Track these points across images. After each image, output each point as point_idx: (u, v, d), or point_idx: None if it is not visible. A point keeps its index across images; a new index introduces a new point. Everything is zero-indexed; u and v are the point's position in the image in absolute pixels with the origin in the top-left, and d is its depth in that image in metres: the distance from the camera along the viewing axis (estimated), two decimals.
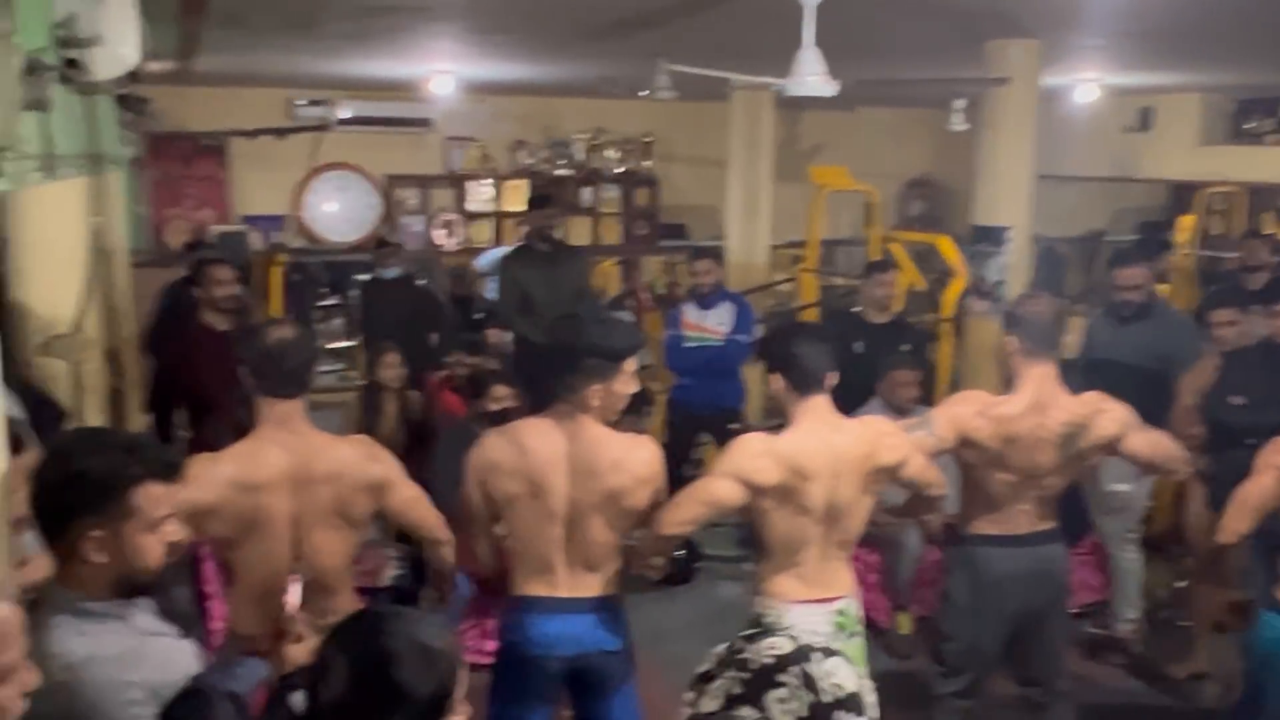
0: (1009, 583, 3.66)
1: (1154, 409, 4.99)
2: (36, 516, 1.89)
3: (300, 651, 2.03)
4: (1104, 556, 5.25)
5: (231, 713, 1.79)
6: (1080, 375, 5.42)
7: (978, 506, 3.69)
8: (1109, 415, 3.59)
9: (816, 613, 3.18)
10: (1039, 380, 3.55)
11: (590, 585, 3.19)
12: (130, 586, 1.90)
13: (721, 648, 1.48)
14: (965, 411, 3.57)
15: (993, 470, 3.59)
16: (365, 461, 2.97)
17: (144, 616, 1.94)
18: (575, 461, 3.08)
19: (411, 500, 3.08)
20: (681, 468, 6.49)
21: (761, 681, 1.41)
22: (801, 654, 1.45)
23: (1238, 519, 3.41)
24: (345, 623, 1.62)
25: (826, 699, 1.41)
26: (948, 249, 7.81)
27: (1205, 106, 9.01)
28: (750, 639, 1.47)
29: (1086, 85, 7.92)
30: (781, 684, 1.41)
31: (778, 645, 1.45)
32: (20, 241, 3.92)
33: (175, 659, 1.91)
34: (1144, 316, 5.15)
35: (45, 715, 1.65)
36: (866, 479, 3.23)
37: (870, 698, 1.51)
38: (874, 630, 5.31)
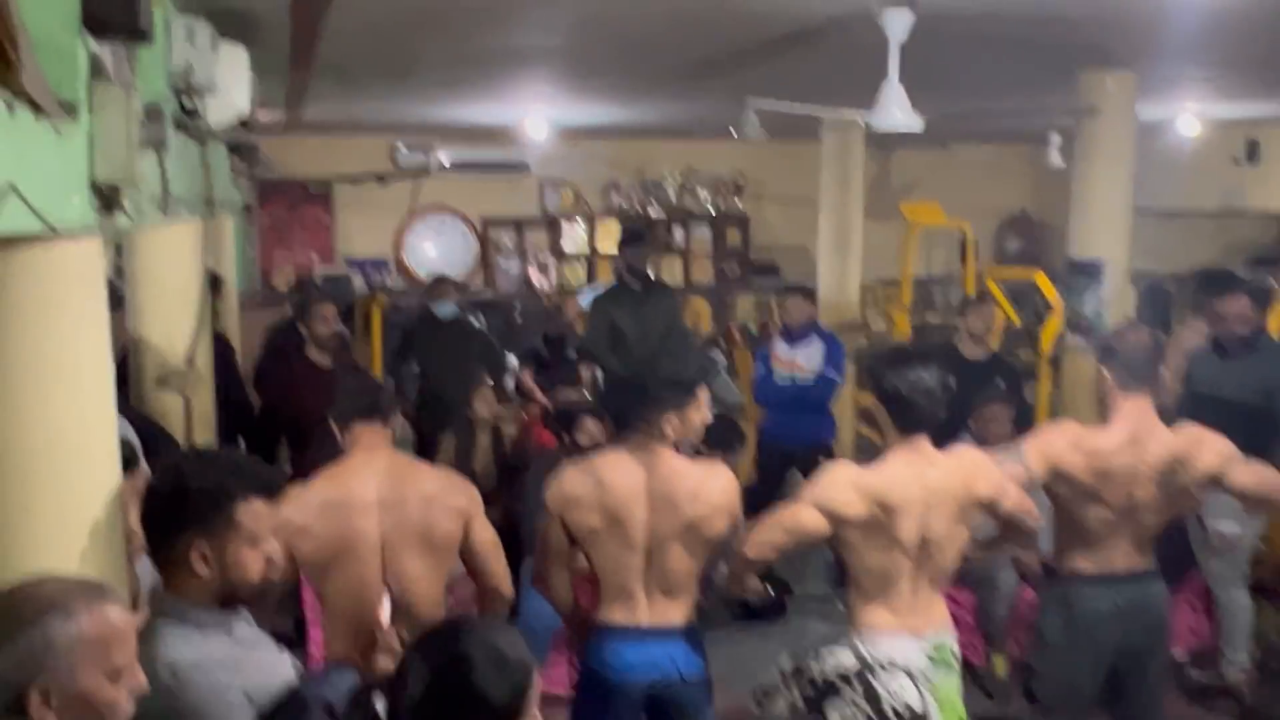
0: (1105, 622, 3.56)
1: (1260, 445, 4.82)
2: (146, 529, 2.01)
3: (391, 664, 2.10)
4: (1210, 599, 5.07)
5: None
6: (1183, 411, 5.29)
7: (1073, 543, 3.61)
8: (1209, 447, 3.50)
9: (909, 643, 3.14)
10: (1135, 413, 3.48)
11: (671, 613, 3.22)
12: (232, 598, 2.00)
13: (788, 663, 1.50)
14: (1058, 443, 3.51)
15: (1088, 505, 3.52)
16: (451, 487, 3.06)
17: (245, 627, 2.04)
18: (654, 491, 3.14)
19: (489, 543, 3.12)
20: (772, 503, 6.48)
21: (823, 693, 1.43)
22: (868, 668, 1.46)
23: None
24: (427, 632, 1.69)
25: (889, 713, 1.42)
26: (1045, 284, 7.69)
27: None
28: (817, 655, 1.49)
29: (1187, 117, 7.75)
30: (842, 694, 1.42)
31: (842, 660, 1.47)
32: (139, 279, 4.14)
33: (275, 668, 2.01)
34: (1250, 350, 4.99)
35: (151, 716, 1.74)
36: (961, 512, 3.20)
37: None
38: (969, 670, 5.21)
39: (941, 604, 3.30)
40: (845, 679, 1.46)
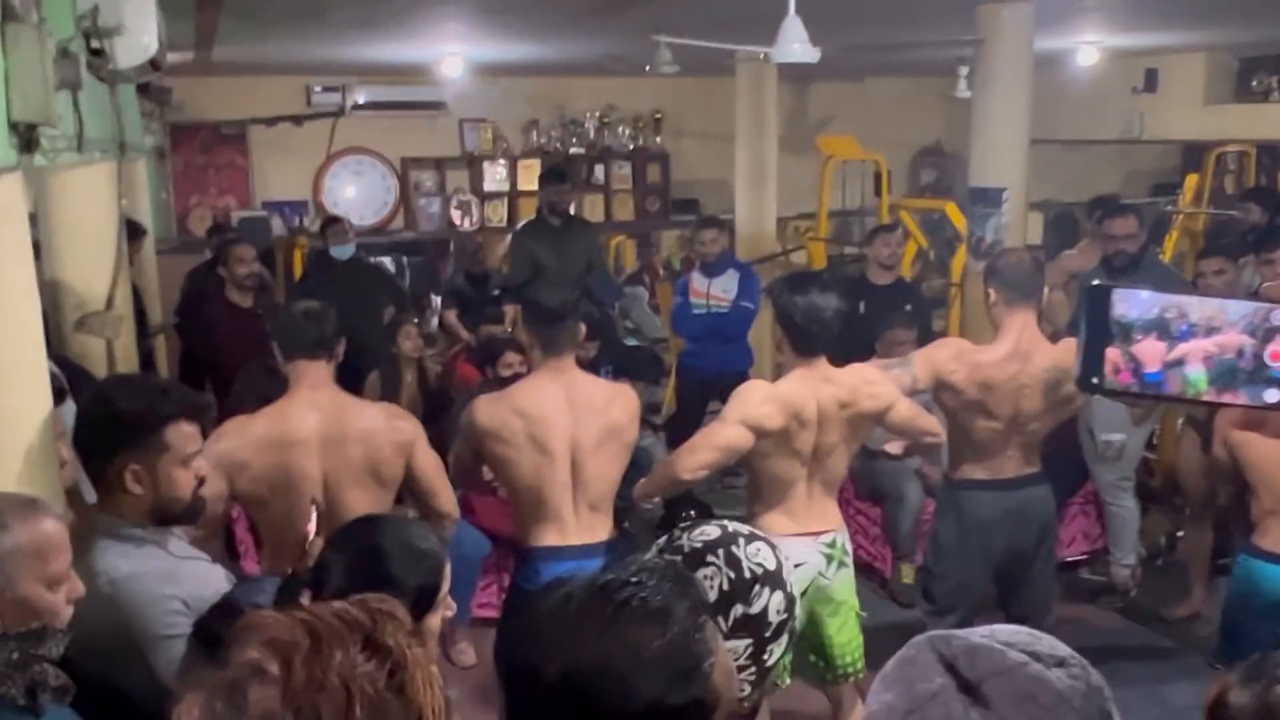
0: (995, 525, 3.84)
1: None
2: (80, 453, 2.12)
3: None
4: (1101, 505, 5.41)
5: None
6: (1075, 327, 5.59)
7: (965, 453, 3.86)
8: None
9: (806, 544, 3.38)
10: (1019, 329, 3.71)
11: (598, 529, 3.42)
12: (165, 515, 2.12)
13: (662, 538, 1.68)
14: (942, 355, 3.74)
15: (976, 417, 3.76)
16: (394, 420, 3.11)
17: (178, 543, 2.16)
18: (574, 403, 3.35)
19: (433, 467, 3.19)
20: (692, 429, 6.69)
21: (691, 562, 1.60)
22: (729, 538, 1.64)
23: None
24: (342, 527, 1.84)
25: (747, 576, 1.60)
26: (955, 214, 7.94)
27: (1210, 65, 9.05)
28: (686, 529, 1.67)
29: (1086, 47, 8.00)
30: (709, 563, 1.60)
31: (707, 532, 1.65)
32: (53, 221, 4.15)
33: (209, 577, 2.15)
34: (1134, 268, 5.28)
35: (92, 624, 1.86)
36: (848, 424, 3.42)
37: (794, 579, 1.70)
38: (877, 579, 5.52)
39: (834, 506, 3.54)
40: (710, 547, 1.64)
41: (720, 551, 1.63)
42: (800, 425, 3.34)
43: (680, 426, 6.64)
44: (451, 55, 7.70)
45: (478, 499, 4.80)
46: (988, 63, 6.05)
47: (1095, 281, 0.80)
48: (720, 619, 1.58)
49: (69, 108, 2.24)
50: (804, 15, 3.84)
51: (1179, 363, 0.78)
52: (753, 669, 1.62)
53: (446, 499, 3.23)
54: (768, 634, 1.64)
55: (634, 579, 1.14)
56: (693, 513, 6.26)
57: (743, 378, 6.45)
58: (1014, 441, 3.80)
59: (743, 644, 1.61)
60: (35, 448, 2.08)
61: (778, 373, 9.26)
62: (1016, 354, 3.68)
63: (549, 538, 3.40)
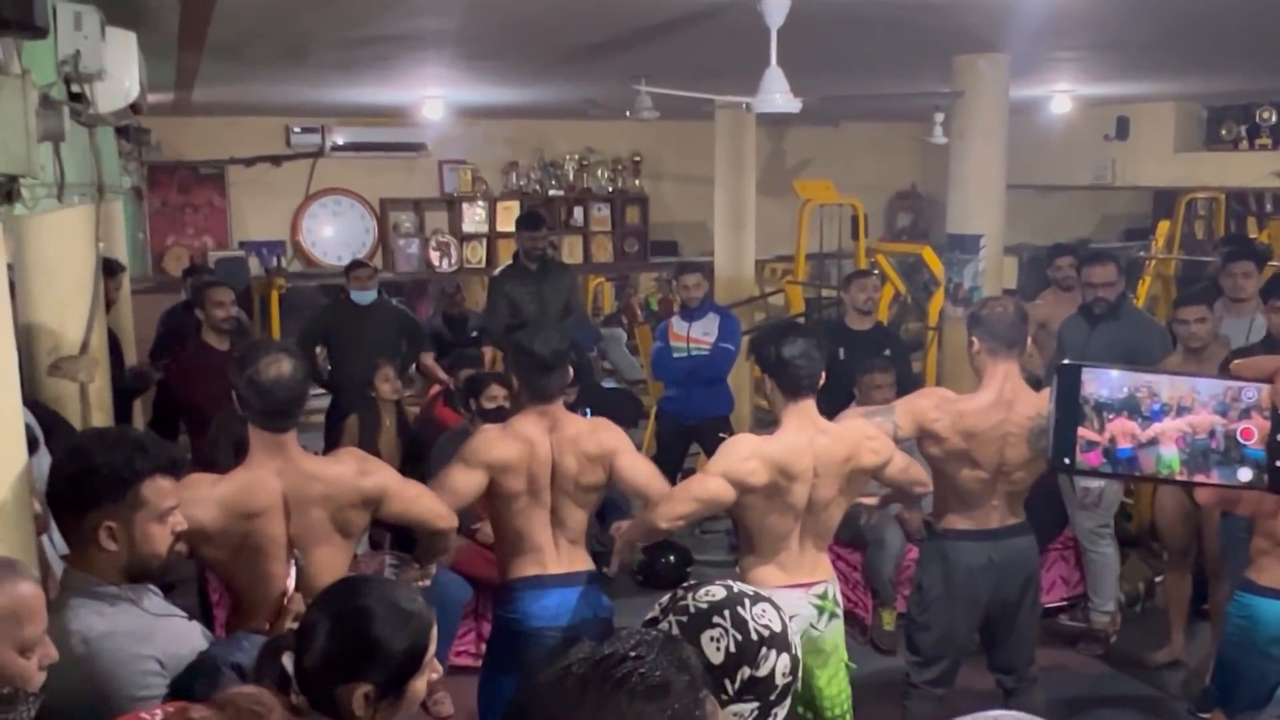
0: (980, 574, 3.83)
1: None
2: (54, 508, 2.07)
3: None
4: (1080, 551, 5.41)
5: (237, 683, 1.95)
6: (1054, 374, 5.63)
7: (950, 502, 3.86)
8: None
9: (797, 596, 3.36)
10: (1002, 377, 3.72)
11: (576, 559, 3.50)
12: (140, 572, 2.08)
13: (665, 597, 1.65)
14: (924, 404, 3.74)
15: (961, 466, 3.75)
16: (358, 477, 3.00)
17: (154, 600, 2.12)
18: (559, 445, 3.42)
19: (412, 500, 3.13)
20: (672, 474, 6.68)
21: (697, 624, 1.58)
22: (734, 599, 1.62)
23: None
24: (327, 589, 1.80)
25: (754, 638, 1.58)
26: (931, 259, 8.02)
27: (1179, 114, 9.21)
28: (690, 589, 1.64)
29: (1060, 96, 8.12)
30: (716, 625, 1.58)
31: (712, 592, 1.63)
32: (30, 265, 4.11)
33: (186, 636, 2.10)
34: (1114, 316, 5.33)
35: (66, 685, 1.82)
36: (846, 479, 3.42)
37: (797, 639, 1.69)
38: (858, 626, 5.48)
39: (825, 559, 3.53)
40: (716, 608, 1.62)
41: (726, 613, 1.61)
42: (790, 480, 3.32)
43: (660, 469, 6.61)
44: (432, 98, 7.73)
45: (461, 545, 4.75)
46: (964, 112, 6.13)
47: (1065, 361, 0.81)
48: (727, 681, 1.57)
49: (50, 158, 2.22)
50: (783, 65, 3.88)
51: (1152, 442, 0.79)
52: None
53: (440, 513, 3.17)
54: (773, 696, 1.62)
55: (633, 653, 1.12)
56: (671, 558, 6.23)
57: (723, 422, 6.50)
58: (999, 491, 3.80)
59: (749, 707, 1.59)
60: (9, 503, 2.04)
61: (758, 418, 9.34)
62: (1000, 402, 3.69)
63: (530, 569, 3.47)
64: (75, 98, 3.35)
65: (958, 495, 3.82)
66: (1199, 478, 0.79)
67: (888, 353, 5.90)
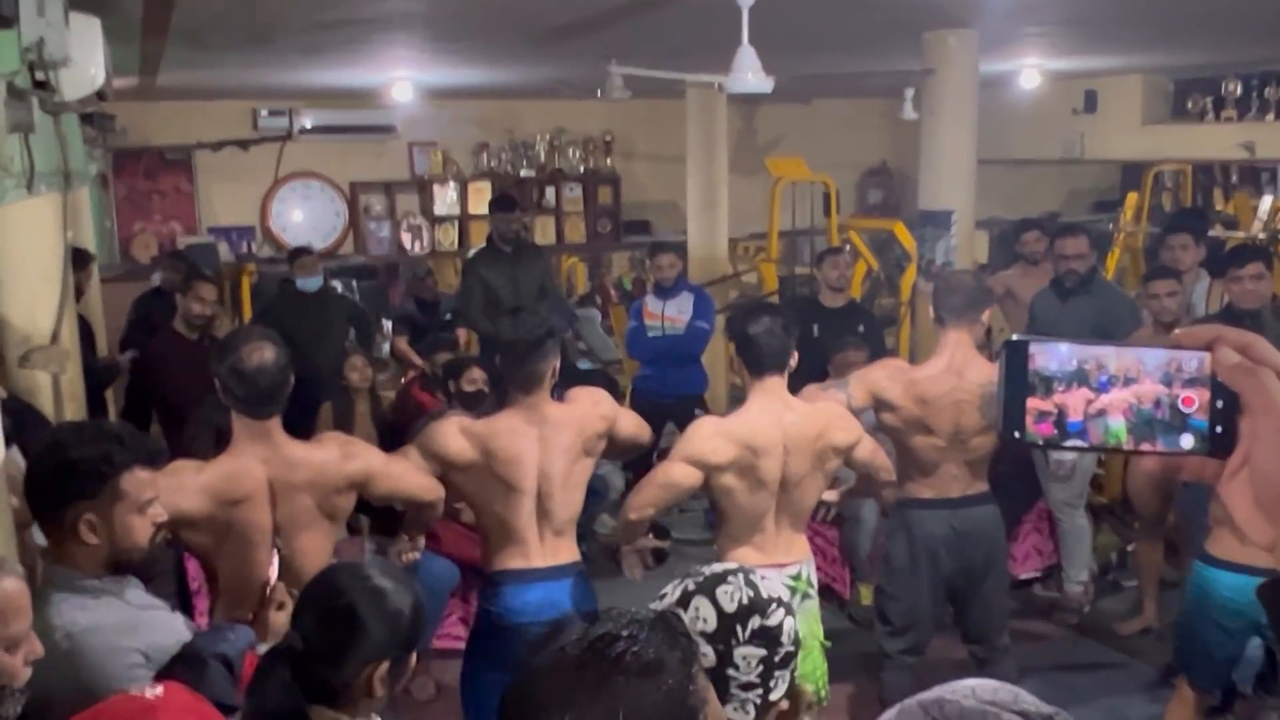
0: (942, 543, 3.89)
1: None
2: (32, 503, 2.06)
3: (282, 618, 2.21)
4: (1054, 522, 5.48)
5: (222, 673, 1.96)
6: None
7: (911, 472, 3.93)
8: None
9: (772, 576, 3.39)
10: (954, 345, 3.79)
11: (562, 552, 3.44)
12: (122, 564, 2.07)
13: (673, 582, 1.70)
14: (878, 374, 3.83)
15: (916, 433, 3.83)
16: (343, 461, 3.01)
17: (136, 592, 2.11)
18: (544, 439, 3.36)
19: (398, 477, 3.14)
20: (650, 455, 6.70)
21: (712, 581, 1.67)
22: (745, 570, 1.74)
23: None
24: (314, 585, 1.82)
25: (764, 596, 1.67)
26: (903, 234, 8.05)
27: (1146, 87, 9.28)
28: (704, 567, 1.71)
29: (1029, 71, 8.16)
30: (730, 581, 1.68)
31: (725, 564, 1.74)
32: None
33: (169, 627, 2.09)
34: (1085, 289, 5.39)
35: (51, 679, 1.82)
36: (818, 456, 3.44)
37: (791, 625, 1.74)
38: (836, 601, 5.54)
39: (802, 539, 3.56)
40: (730, 572, 1.69)
41: (740, 575, 1.69)
42: (757, 455, 3.35)
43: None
44: (401, 80, 7.67)
45: (442, 526, 4.74)
46: (935, 89, 6.16)
47: (1014, 336, 0.83)
48: (739, 627, 1.63)
49: (20, 149, 2.19)
50: (754, 44, 3.88)
51: (1100, 413, 0.81)
52: (760, 689, 1.63)
53: (426, 487, 3.20)
54: (778, 655, 1.67)
55: (625, 632, 1.14)
56: (650, 535, 6.26)
57: (698, 400, 6.53)
58: (957, 459, 3.86)
59: (757, 654, 1.64)
60: None
61: (734, 396, 9.37)
62: (950, 370, 3.75)
63: (514, 561, 3.41)
64: (40, 85, 3.30)
65: (917, 465, 3.90)
66: (1144, 446, 0.82)
67: (861, 329, 5.94)
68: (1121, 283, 9.28)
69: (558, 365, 3.50)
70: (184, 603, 4.20)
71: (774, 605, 1.68)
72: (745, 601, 1.65)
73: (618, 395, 7.81)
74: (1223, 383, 0.80)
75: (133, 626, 2.02)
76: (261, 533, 2.90)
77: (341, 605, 1.75)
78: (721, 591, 1.65)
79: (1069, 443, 0.82)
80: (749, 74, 3.66)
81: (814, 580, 3.56)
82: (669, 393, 6.34)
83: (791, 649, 1.70)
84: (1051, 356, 0.81)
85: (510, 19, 5.08)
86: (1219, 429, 0.81)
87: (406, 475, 3.17)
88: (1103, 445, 0.82)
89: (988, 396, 3.70)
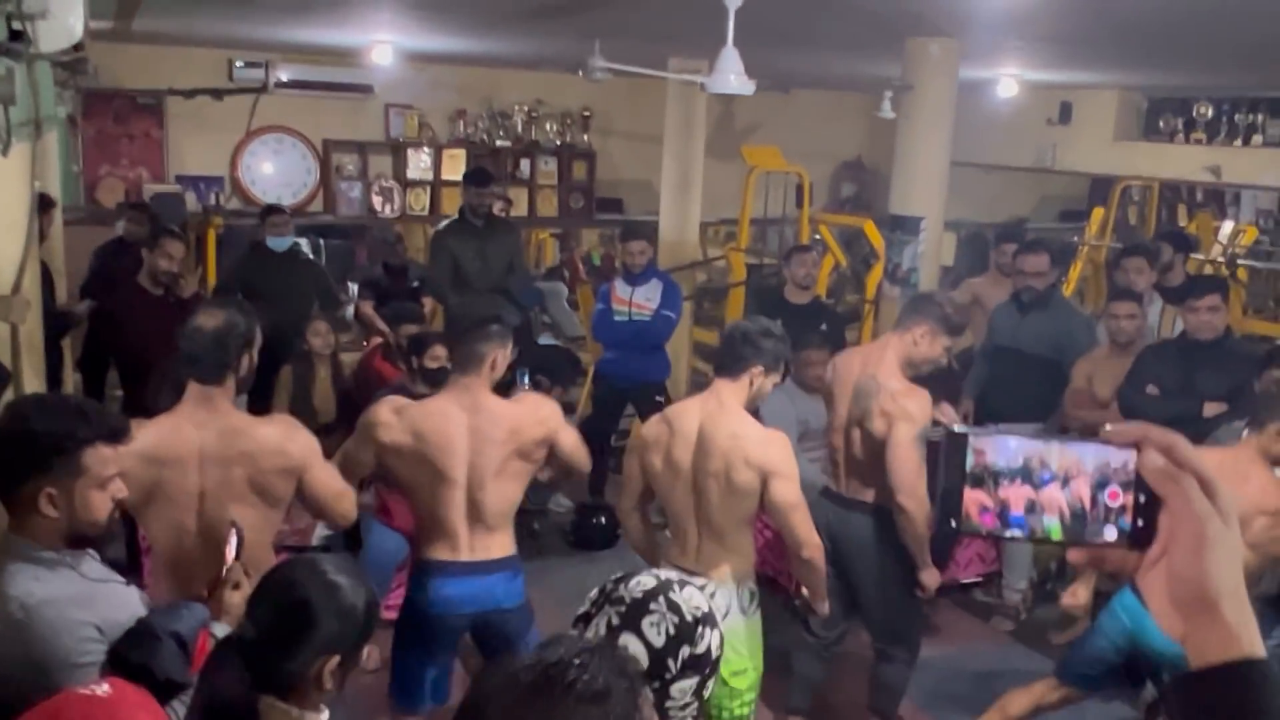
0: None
1: (1049, 395, 5.36)
2: None
3: (238, 598, 2.23)
4: None
5: (175, 651, 1.98)
6: (985, 358, 5.79)
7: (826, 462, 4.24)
8: None
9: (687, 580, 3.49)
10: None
11: (492, 547, 3.42)
12: (79, 538, 2.09)
13: (594, 591, 1.73)
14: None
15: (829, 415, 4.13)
16: (283, 443, 2.97)
17: (92, 565, 2.13)
18: (476, 431, 3.34)
19: (325, 488, 3.08)
20: (606, 436, 6.75)
21: (635, 612, 1.67)
22: (664, 586, 1.71)
23: None
24: (269, 578, 1.85)
25: (689, 619, 1.68)
26: (872, 232, 8.12)
27: (1120, 103, 9.39)
28: (620, 581, 1.73)
29: (1007, 80, 8.24)
30: (653, 611, 1.67)
31: (643, 582, 1.71)
32: None
33: (124, 602, 2.11)
34: (1043, 306, 5.48)
35: (4, 653, 1.83)
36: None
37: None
38: (781, 595, 5.63)
39: (724, 555, 3.52)
40: (651, 595, 1.71)
41: (661, 599, 1.70)
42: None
43: (594, 431, 6.68)
44: (381, 43, 7.60)
45: (393, 501, 4.77)
46: (913, 95, 6.20)
47: (956, 428, 0.88)
48: (670, 661, 1.67)
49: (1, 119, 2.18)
50: (737, 38, 3.89)
51: (1039, 510, 0.87)
52: (695, 704, 1.70)
53: (342, 512, 3.15)
54: (708, 670, 1.73)
55: (577, 660, 1.20)
56: (603, 519, 6.32)
57: (659, 387, 6.58)
58: (847, 456, 4.09)
59: (690, 683, 1.69)
60: None
61: (695, 382, 9.40)
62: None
63: (442, 553, 3.42)
64: (15, 35, 3.26)
65: (830, 451, 4.20)
66: (1074, 539, 0.87)
67: (824, 327, 6.01)
68: (1082, 294, 9.44)
69: (502, 358, 3.46)
70: (133, 560, 4.19)
71: (699, 628, 1.70)
72: (672, 632, 1.67)
73: (579, 372, 7.86)
74: (1146, 481, 0.85)
75: (88, 600, 2.03)
76: (187, 496, 2.88)
77: (296, 598, 1.78)
78: (647, 624, 1.67)
79: (1007, 533, 0.87)
80: (731, 76, 3.68)
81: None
82: (631, 378, 6.39)
83: (719, 653, 1.75)
84: (1000, 452, 0.86)
85: None
86: (1140, 523, 0.86)
87: (338, 494, 3.11)
88: (1038, 538, 0.87)
89: (859, 389, 3.98)
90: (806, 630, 4.24)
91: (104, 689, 1.67)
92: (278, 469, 2.96)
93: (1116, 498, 0.86)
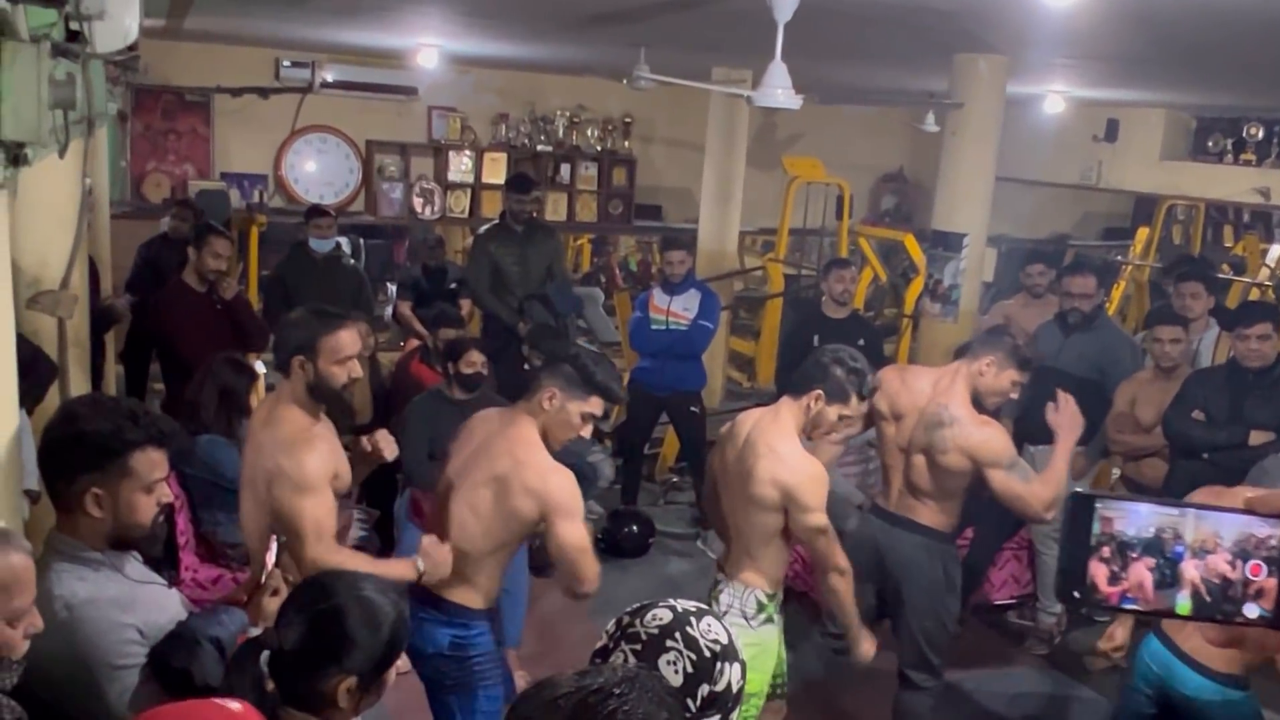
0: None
1: (1092, 417, 5.28)
2: (43, 471, 2.09)
3: (275, 604, 2.24)
4: (1034, 552, 5.54)
5: (214, 656, 2.00)
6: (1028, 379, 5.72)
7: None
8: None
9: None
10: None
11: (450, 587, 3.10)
12: (123, 541, 2.10)
13: (611, 624, 1.70)
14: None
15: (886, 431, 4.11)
16: (274, 449, 2.86)
17: (135, 566, 2.14)
18: (483, 450, 3.11)
19: (292, 516, 2.84)
20: (640, 443, 6.75)
21: (652, 650, 1.64)
22: (681, 619, 1.68)
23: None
24: (303, 586, 1.85)
25: (707, 655, 1.65)
26: (913, 247, 8.07)
27: (1168, 122, 9.27)
28: (636, 614, 1.70)
29: (1054, 97, 8.16)
30: (670, 648, 1.64)
31: (659, 615, 1.68)
32: (16, 202, 4.05)
33: (166, 604, 2.13)
34: (1088, 327, 5.41)
35: (47, 649, 1.85)
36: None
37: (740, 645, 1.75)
38: (809, 611, 5.60)
39: (747, 562, 3.48)
40: (666, 632, 1.67)
41: (677, 635, 1.66)
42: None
43: (627, 438, 6.69)
44: (428, 46, 7.64)
45: (428, 502, 4.78)
46: (960, 111, 6.15)
47: (1078, 489, 0.83)
48: (689, 700, 1.62)
49: (60, 123, 2.21)
50: (785, 51, 3.87)
51: (1171, 584, 0.81)
52: None
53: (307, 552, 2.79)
54: (730, 705, 1.69)
55: (617, 690, 1.18)
56: (635, 528, 6.32)
57: (694, 397, 6.56)
58: (899, 478, 4.05)
59: None
60: (2, 464, 2.05)
61: (729, 390, 9.33)
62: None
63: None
64: (73, 36, 3.30)
65: (883, 468, 4.17)
66: (1206, 615, 0.81)
67: (861, 342, 5.97)
68: (1124, 313, 9.32)
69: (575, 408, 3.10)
70: (170, 558, 4.23)
71: (718, 664, 1.66)
72: (689, 670, 1.63)
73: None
74: None
75: (130, 601, 2.05)
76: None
77: (328, 608, 1.78)
78: (664, 663, 1.62)
79: (1129, 606, 0.81)
80: (778, 90, 3.66)
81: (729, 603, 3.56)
82: (666, 387, 6.38)
83: (741, 684, 1.70)
84: (1130, 520, 0.80)
85: (547, 2, 5.07)
86: None
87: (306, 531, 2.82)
88: (1166, 612, 0.81)
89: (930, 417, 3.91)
90: (824, 633, 4.23)
91: (234, 706, 1.67)
92: (268, 473, 2.95)
93: (1259, 572, 0.81)
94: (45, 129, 1.90)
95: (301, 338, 2.88)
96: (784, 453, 3.33)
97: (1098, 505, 0.81)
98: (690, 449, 6.66)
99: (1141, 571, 0.81)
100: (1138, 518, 0.81)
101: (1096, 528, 0.81)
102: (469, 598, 3.10)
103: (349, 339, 2.89)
